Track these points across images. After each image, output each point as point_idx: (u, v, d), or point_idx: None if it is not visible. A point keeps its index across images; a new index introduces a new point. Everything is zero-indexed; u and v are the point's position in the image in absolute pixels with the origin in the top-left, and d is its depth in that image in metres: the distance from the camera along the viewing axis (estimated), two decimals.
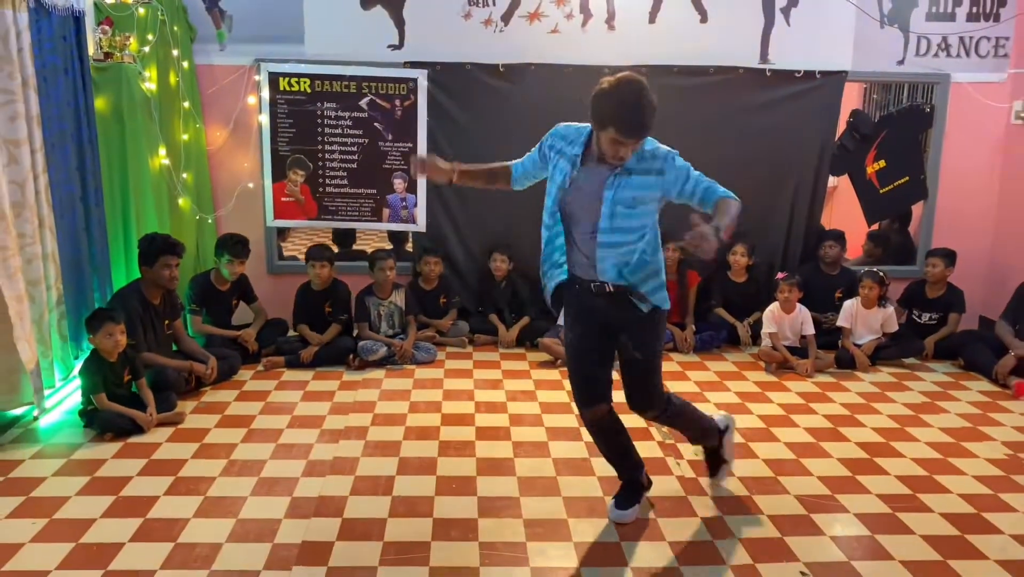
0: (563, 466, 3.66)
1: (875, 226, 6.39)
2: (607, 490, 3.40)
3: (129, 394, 4.09)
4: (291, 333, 5.26)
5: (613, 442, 3.22)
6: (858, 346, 5.24)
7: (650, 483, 3.31)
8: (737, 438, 4.00)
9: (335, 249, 6.28)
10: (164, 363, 4.36)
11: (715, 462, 3.53)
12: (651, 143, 2.83)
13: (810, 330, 5.21)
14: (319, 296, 5.20)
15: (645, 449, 3.78)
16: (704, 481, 3.53)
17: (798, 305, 5.23)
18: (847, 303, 5.34)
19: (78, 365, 4.29)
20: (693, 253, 2.66)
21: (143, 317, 4.36)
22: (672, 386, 4.79)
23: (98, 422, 3.91)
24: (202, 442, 3.88)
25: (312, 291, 5.21)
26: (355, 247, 6.59)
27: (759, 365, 5.22)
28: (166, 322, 4.53)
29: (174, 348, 4.66)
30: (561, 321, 5.07)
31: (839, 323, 5.34)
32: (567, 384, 4.77)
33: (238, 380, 4.77)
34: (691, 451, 3.79)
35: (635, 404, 3.10)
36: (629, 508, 3.19)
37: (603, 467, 3.60)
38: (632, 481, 3.25)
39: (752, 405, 4.51)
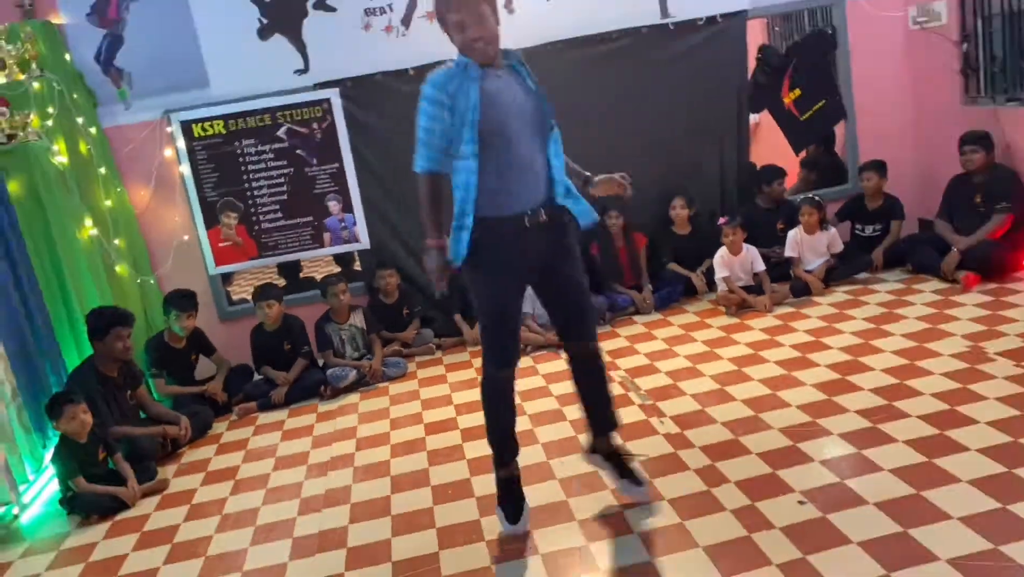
0: (553, 449, 3.69)
1: (803, 154, 6.52)
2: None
3: (107, 472, 4.02)
4: (257, 376, 5.20)
5: (512, 410, 3.07)
6: (809, 272, 5.37)
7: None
8: (711, 385, 4.09)
9: (282, 284, 6.24)
10: (136, 432, 4.29)
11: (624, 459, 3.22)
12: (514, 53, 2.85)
13: (761, 267, 5.32)
14: (274, 336, 5.14)
15: (626, 414, 3.84)
16: (691, 434, 3.59)
17: (744, 245, 5.33)
18: (791, 233, 5.46)
19: (48, 454, 4.20)
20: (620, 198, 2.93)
21: (103, 392, 4.28)
22: (640, 347, 4.89)
23: (81, 506, 3.84)
24: (191, 503, 3.83)
25: (265, 332, 5.16)
26: (303, 276, 6.53)
27: (720, 310, 5.32)
28: (128, 393, 4.45)
29: (143, 416, 4.58)
30: (525, 309, 5.18)
31: (786, 254, 5.46)
32: (540, 368, 4.83)
33: (214, 434, 4.71)
34: (668, 407, 3.87)
35: (586, 332, 3.00)
36: (521, 519, 3.02)
37: None
38: (512, 480, 3.09)
39: (720, 350, 4.60)
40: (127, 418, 4.40)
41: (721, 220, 5.35)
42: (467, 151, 2.70)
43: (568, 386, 4.39)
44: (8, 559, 3.57)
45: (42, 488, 4.21)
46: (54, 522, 3.88)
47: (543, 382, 4.59)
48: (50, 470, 4.16)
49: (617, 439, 3.26)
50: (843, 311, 4.91)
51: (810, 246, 5.42)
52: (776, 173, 5.81)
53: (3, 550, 3.66)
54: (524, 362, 4.99)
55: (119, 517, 3.80)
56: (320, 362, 5.21)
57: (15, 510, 3.92)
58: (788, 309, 5.13)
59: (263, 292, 5.15)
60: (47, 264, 4.70)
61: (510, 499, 3.07)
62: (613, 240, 5.67)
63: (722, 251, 5.34)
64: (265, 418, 4.84)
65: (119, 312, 4.33)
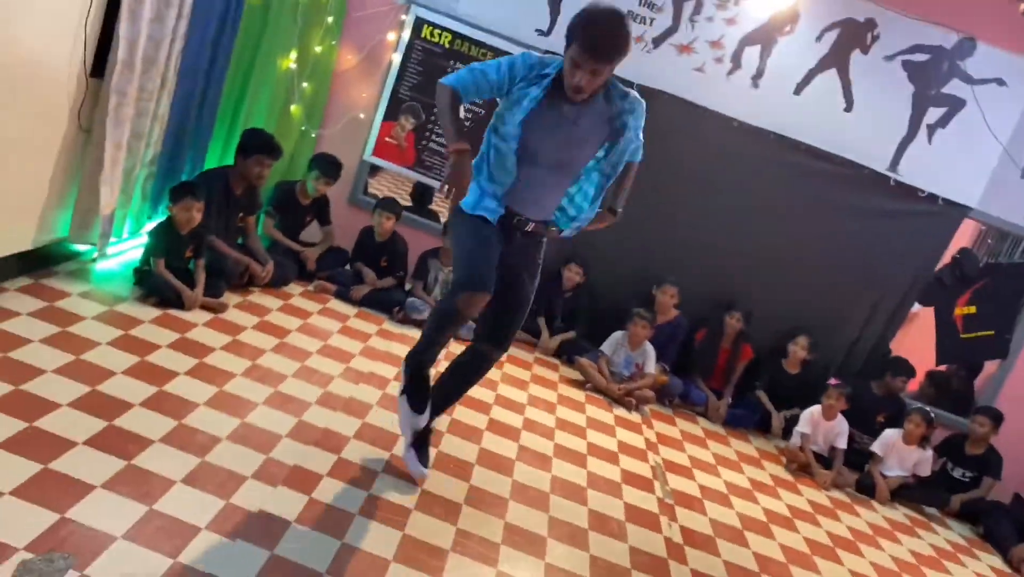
0: (559, 486, 3.64)
1: (937, 366, 6.19)
2: (594, 525, 3.38)
3: (185, 269, 4.20)
4: (348, 268, 5.32)
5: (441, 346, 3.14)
6: (884, 478, 5.10)
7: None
8: (734, 521, 3.94)
9: (410, 202, 6.35)
10: (226, 252, 4.46)
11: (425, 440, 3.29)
12: (621, 88, 2.86)
13: (842, 444, 5.09)
14: (378, 246, 5.25)
15: (641, 499, 3.75)
16: (692, 554, 3.47)
17: (839, 415, 5.11)
18: (888, 432, 5.20)
19: (148, 225, 4.42)
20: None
21: (221, 203, 4.47)
22: (690, 448, 4.75)
23: (148, 284, 4.03)
24: (235, 337, 3.96)
25: (373, 239, 5.27)
26: (431, 208, 6.63)
27: (780, 460, 5.12)
28: (240, 215, 4.63)
29: (240, 241, 4.76)
30: (606, 348, 5.13)
31: (873, 448, 5.20)
32: (589, 409, 4.77)
33: (287, 292, 4.86)
34: (684, 516, 3.76)
35: (504, 342, 3.09)
36: (427, 462, 3.22)
37: (596, 500, 3.60)
38: (425, 434, 3.22)
39: (760, 496, 4.43)
40: (228, 235, 4.58)
41: (833, 380, 5.14)
42: (510, 138, 2.80)
43: (603, 440, 4.35)
44: (69, 290, 3.77)
45: (128, 249, 4.44)
46: (120, 284, 4.08)
47: (583, 422, 4.53)
48: (143, 239, 4.37)
49: (436, 422, 3.34)
50: (895, 530, 4.65)
51: (899, 454, 5.15)
52: (906, 369, 5.55)
53: (71, 281, 3.88)
54: (576, 395, 4.94)
55: (172, 312, 3.97)
56: (407, 287, 5.29)
57: (95, 255, 4.14)
58: (844, 497, 4.89)
59: (387, 203, 5.27)
60: (240, 71, 4.92)
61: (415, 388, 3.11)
62: (723, 338, 5.54)
63: (816, 409, 5.13)
64: (335, 305, 4.95)
65: (272, 142, 4.50)
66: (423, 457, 3.21)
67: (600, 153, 2.92)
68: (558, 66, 2.77)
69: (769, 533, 3.98)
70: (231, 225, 4.60)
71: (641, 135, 3.00)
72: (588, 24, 2.56)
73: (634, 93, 2.90)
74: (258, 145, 4.46)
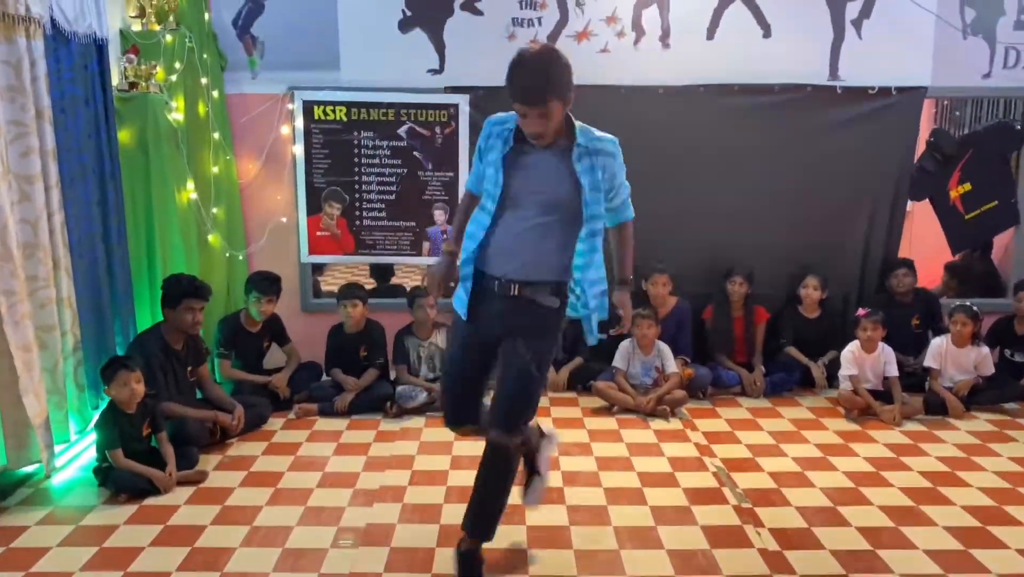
0: (626, 537, 3.20)
1: (954, 256, 5.84)
2: (680, 568, 2.94)
3: (148, 449, 3.75)
4: (325, 378, 4.89)
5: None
6: (949, 389, 4.70)
7: None
8: (823, 500, 3.52)
9: (372, 284, 5.96)
10: (187, 414, 4.02)
11: (529, 472, 3.14)
12: (590, 127, 2.69)
13: (894, 371, 4.69)
14: (352, 339, 4.83)
15: (718, 514, 3.32)
16: (795, 557, 3.04)
17: (880, 343, 4.71)
18: (935, 341, 4.81)
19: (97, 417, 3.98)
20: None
21: (164, 364, 4.04)
22: (743, 436, 4.34)
23: (113, 481, 3.58)
24: (224, 504, 3.51)
25: (344, 333, 4.85)
26: (393, 281, 6.23)
27: (838, 411, 4.71)
28: (189, 369, 4.20)
29: (199, 396, 4.33)
30: (618, 361, 4.72)
31: (926, 363, 4.81)
32: (626, 434, 4.34)
33: (267, 430, 4.41)
34: (768, 516, 3.33)
35: (496, 420, 2.75)
36: None
37: (671, 536, 3.17)
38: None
39: (836, 460, 4.01)
40: (183, 395, 4.14)
41: (861, 311, 4.74)
42: (486, 201, 2.71)
43: (653, 463, 3.91)
44: (26, 522, 3.32)
45: (82, 451, 3.99)
46: (83, 491, 3.63)
47: (625, 451, 4.10)
48: (93, 434, 3.92)
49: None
50: (986, 443, 4.24)
51: (955, 360, 4.76)
52: (901, 263, 5.22)
53: (26, 511, 3.42)
54: (607, 424, 4.51)
55: (148, 501, 3.51)
56: (392, 375, 4.87)
57: (46, 471, 3.69)
58: (919, 427, 4.48)
59: (349, 291, 4.85)
60: (140, 219, 4.53)
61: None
62: (731, 308, 5.15)
63: (854, 346, 4.73)
64: (323, 424, 4.51)
65: (195, 283, 4.09)
66: None
67: (573, 195, 2.64)
68: (513, 119, 2.66)
69: (863, 499, 3.55)
70: (182, 383, 4.16)
71: (625, 182, 2.74)
72: (513, 71, 2.46)
73: (602, 134, 2.67)
74: (181, 291, 4.04)
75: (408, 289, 5.46)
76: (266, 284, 4.66)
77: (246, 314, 4.74)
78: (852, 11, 5.15)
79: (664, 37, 5.18)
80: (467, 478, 3.64)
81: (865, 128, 5.21)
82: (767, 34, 5.17)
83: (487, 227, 2.67)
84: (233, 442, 4.22)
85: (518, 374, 2.68)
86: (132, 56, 4.48)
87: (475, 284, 2.73)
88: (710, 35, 5.18)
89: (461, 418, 2.86)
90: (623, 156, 2.70)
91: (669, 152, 5.17)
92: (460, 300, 2.76)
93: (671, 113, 5.15)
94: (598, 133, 2.67)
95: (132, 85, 4.46)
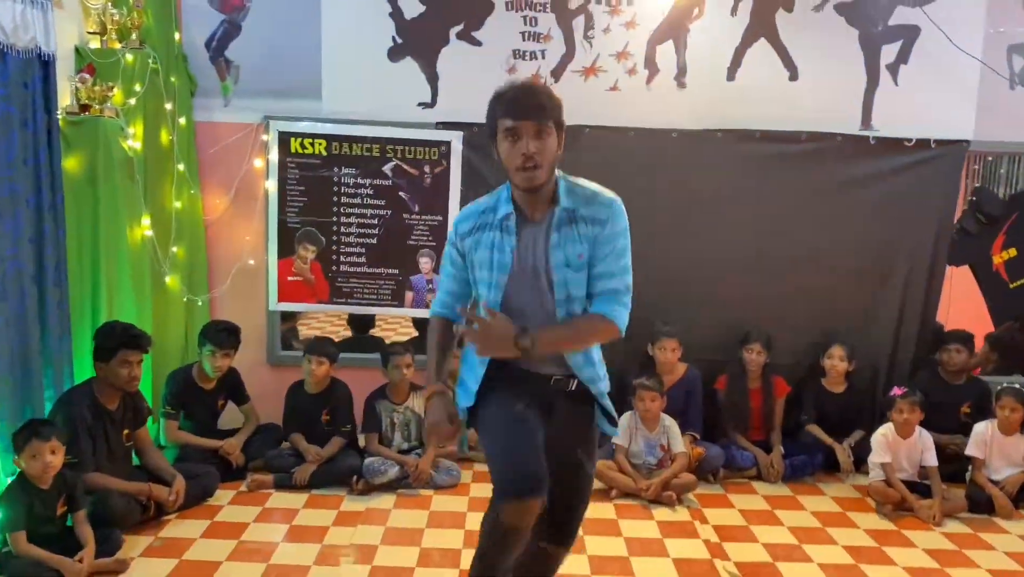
0: None
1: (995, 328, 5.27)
2: None
3: (61, 531, 3.19)
4: (285, 444, 4.33)
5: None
6: (996, 483, 4.12)
7: None
8: None
9: (348, 335, 5.44)
10: (114, 487, 3.46)
11: None
12: (588, 184, 2.27)
13: (933, 461, 4.11)
14: (313, 400, 4.28)
15: None
16: None
17: (918, 428, 4.14)
18: (979, 426, 4.23)
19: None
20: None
21: (93, 426, 3.49)
22: (759, 532, 3.76)
23: (11, 571, 3.01)
24: None
25: (305, 393, 4.30)
26: (373, 333, 5.69)
27: (868, 503, 4.13)
28: (125, 432, 3.65)
29: (137, 463, 3.77)
30: (618, 438, 4.15)
31: (969, 452, 4.22)
32: (625, 526, 3.76)
33: (213, 504, 3.85)
34: None
35: (563, 536, 2.41)
36: None
37: None
38: None
39: (868, 567, 3.42)
40: (115, 463, 3.59)
41: (896, 390, 4.17)
42: (489, 299, 2.27)
43: (655, 567, 3.33)
44: None
45: None
46: None
47: (624, 550, 3.51)
48: None
49: None
50: None
51: (1002, 450, 4.18)
52: (956, 336, 4.65)
53: None
54: (605, 512, 3.92)
55: None
56: (361, 442, 4.30)
57: None
58: (962, 527, 3.89)
59: (316, 345, 4.32)
60: (86, 258, 4.01)
61: None
62: (747, 378, 4.59)
63: (887, 429, 4.16)
64: (278, 499, 3.94)
65: (132, 333, 3.56)
66: None
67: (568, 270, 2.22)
68: (504, 190, 2.28)
69: None
70: (116, 449, 3.60)
71: (623, 265, 2.23)
72: (501, 93, 2.19)
73: (598, 190, 2.25)
74: (115, 342, 3.51)
75: (388, 344, 4.91)
76: (222, 336, 4.13)
77: (199, 368, 4.21)
78: (888, 54, 4.67)
79: (680, 76, 4.70)
80: None
81: (900, 183, 4.70)
82: (794, 76, 4.69)
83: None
84: (171, 519, 3.66)
85: (576, 480, 2.36)
86: (86, 76, 4.00)
87: (501, 369, 2.27)
88: (731, 76, 4.70)
89: (541, 477, 2.12)
90: (628, 220, 2.24)
91: (682, 202, 4.67)
92: (466, 389, 2.34)
93: (686, 159, 4.65)
94: (592, 189, 2.22)
95: (84, 107, 3.98)
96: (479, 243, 2.26)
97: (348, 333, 5.64)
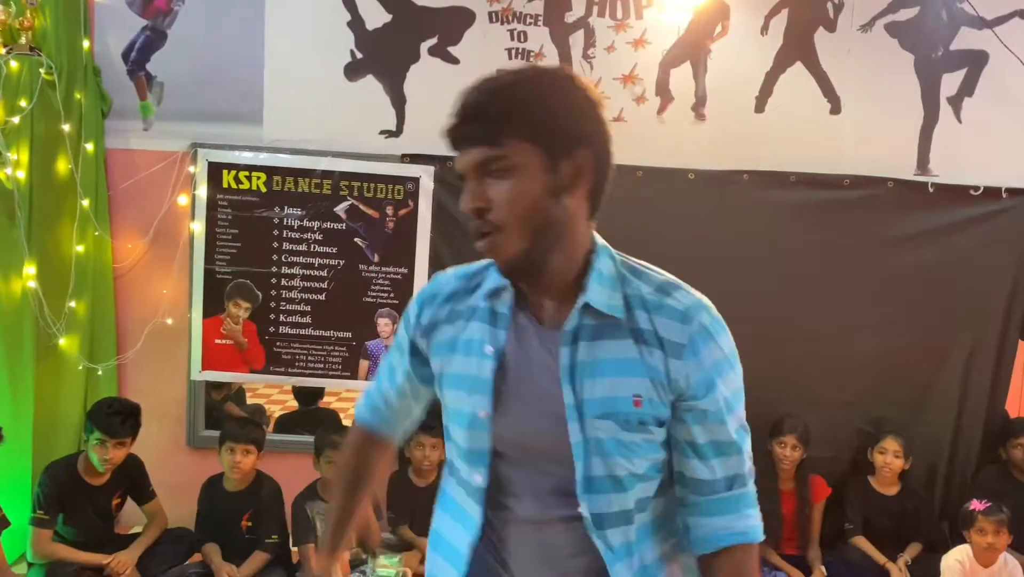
0: None
1: None
2: None
3: None
4: (195, 556, 3.41)
5: None
6: None
7: None
8: None
9: (294, 409, 4.57)
10: None
11: None
12: (655, 273, 1.30)
13: None
14: (233, 500, 3.38)
15: None
16: None
17: (1004, 554, 3.27)
18: None
19: None
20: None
21: None
22: None
23: None
24: None
25: (223, 492, 3.41)
26: (323, 405, 4.79)
27: None
28: None
29: None
30: None
31: None
32: None
33: None
34: None
35: None
36: None
37: None
38: None
39: None
40: None
41: (976, 504, 3.30)
42: (456, 471, 1.39)
43: None
44: None
45: None
46: None
47: None
48: None
49: None
50: None
51: None
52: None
53: None
54: None
55: None
56: (295, 557, 3.40)
57: None
58: None
59: (239, 431, 3.43)
60: None
61: None
62: (779, 479, 3.73)
63: (962, 553, 3.29)
64: None
65: None
66: None
67: (619, 428, 1.21)
68: (477, 269, 1.37)
69: None
70: None
71: (740, 434, 1.31)
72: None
73: (670, 284, 1.28)
74: None
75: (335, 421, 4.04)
76: (114, 421, 3.21)
77: (86, 459, 3.30)
78: (950, 86, 3.90)
79: (698, 106, 3.92)
80: None
81: (964, 239, 3.90)
82: (836, 109, 3.90)
83: (475, 531, 1.32)
84: None
85: None
86: None
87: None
88: (759, 107, 3.91)
89: None
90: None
91: (699, 255, 3.77)
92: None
93: (704, 205, 3.86)
94: (661, 280, 1.28)
95: None
96: (455, 345, 1.34)
97: (294, 405, 4.76)
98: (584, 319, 1.22)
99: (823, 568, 3.63)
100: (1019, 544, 3.52)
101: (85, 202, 3.68)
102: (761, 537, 1.30)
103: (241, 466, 3.35)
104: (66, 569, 3.15)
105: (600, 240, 1.30)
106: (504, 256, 1.20)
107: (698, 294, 1.28)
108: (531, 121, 1.17)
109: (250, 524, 3.36)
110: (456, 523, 1.36)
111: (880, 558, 3.67)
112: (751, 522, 1.28)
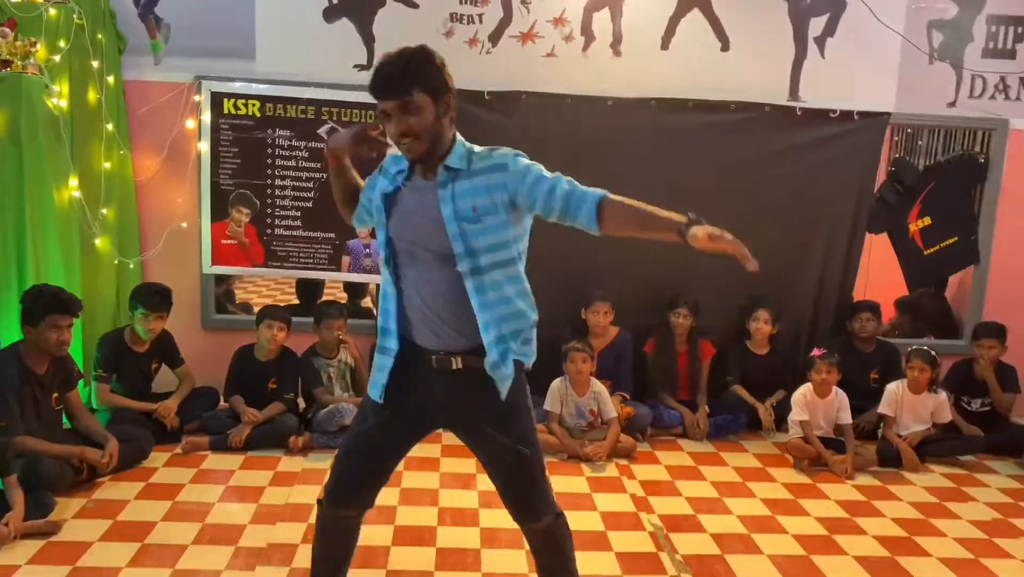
0: None
1: (911, 294, 5.54)
2: None
3: None
4: (224, 405, 4.34)
5: (337, 562, 2.45)
6: (903, 438, 4.37)
7: None
8: (753, 569, 3.11)
9: (295, 303, 5.42)
10: (45, 450, 3.43)
11: None
12: (486, 148, 2.23)
13: (848, 418, 4.34)
14: (263, 367, 4.30)
15: None
16: None
17: (834, 388, 4.36)
18: (891, 386, 4.47)
19: None
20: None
21: (22, 391, 3.45)
22: (683, 487, 3.93)
23: None
24: (75, 565, 2.95)
25: (255, 359, 4.31)
26: (322, 301, 5.64)
27: (786, 459, 4.34)
28: (55, 396, 3.62)
29: (67, 426, 3.74)
30: (548, 406, 4.27)
31: (881, 410, 4.47)
32: (556, 482, 3.87)
33: (148, 467, 3.85)
34: None
35: (526, 515, 2.32)
36: None
37: None
38: None
39: (785, 520, 3.62)
40: (46, 426, 3.55)
41: (816, 351, 4.37)
42: (381, 255, 2.27)
43: (584, 520, 3.43)
44: None
45: None
46: None
47: None
48: None
49: None
50: (943, 502, 3.90)
51: (911, 407, 4.43)
52: (866, 305, 4.87)
53: None
54: None
55: None
56: (301, 405, 4.36)
57: None
58: (872, 480, 4.13)
59: (274, 311, 4.37)
60: (9, 221, 3.91)
61: None
62: (675, 341, 4.75)
63: (806, 389, 4.37)
64: (214, 461, 3.96)
65: (61, 297, 3.51)
66: None
67: (470, 233, 2.14)
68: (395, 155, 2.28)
69: (815, 570, 3.17)
70: (45, 413, 3.57)
71: (543, 173, 2.17)
72: (374, 69, 2.11)
73: (496, 150, 2.20)
74: (44, 305, 3.46)
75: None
76: (154, 298, 4.10)
77: (131, 331, 4.17)
78: (816, 27, 4.81)
79: (615, 44, 4.77)
80: (372, 536, 3.14)
81: (824, 154, 4.87)
82: (725, 47, 4.80)
83: (395, 297, 2.24)
84: (104, 482, 3.65)
85: (509, 467, 2.27)
86: (7, 30, 3.88)
87: (399, 359, 2.24)
88: (664, 45, 4.79)
89: (351, 500, 2.34)
90: (530, 159, 2.21)
91: (615, 169, 4.68)
92: (375, 382, 2.27)
93: (620, 127, 4.73)
94: (488, 150, 2.20)
95: (5, 64, 3.86)
96: (374, 184, 2.31)
97: (294, 300, 5.61)
98: (447, 173, 2.14)
99: (707, 408, 4.67)
100: (853, 393, 4.52)
101: (110, 126, 4.42)
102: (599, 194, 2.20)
103: (277, 339, 4.25)
104: (124, 413, 4.05)
105: (459, 137, 2.19)
106: (419, 150, 2.10)
107: (506, 149, 2.19)
108: (425, 80, 2.06)
109: (275, 386, 4.28)
110: (384, 298, 2.28)
111: (751, 400, 4.75)
112: (587, 192, 2.19)
